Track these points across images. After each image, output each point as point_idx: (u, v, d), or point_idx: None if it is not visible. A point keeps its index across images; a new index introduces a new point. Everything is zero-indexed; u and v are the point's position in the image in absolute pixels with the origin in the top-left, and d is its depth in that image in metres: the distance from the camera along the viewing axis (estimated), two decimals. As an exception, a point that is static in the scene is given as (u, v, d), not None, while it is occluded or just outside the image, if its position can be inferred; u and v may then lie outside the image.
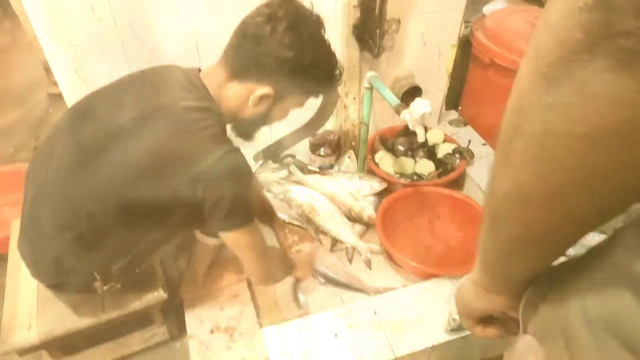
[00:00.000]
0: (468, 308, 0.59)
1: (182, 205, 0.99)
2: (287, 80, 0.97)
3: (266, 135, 1.84)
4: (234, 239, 1.01)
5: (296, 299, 1.39)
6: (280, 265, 1.20)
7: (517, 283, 0.50)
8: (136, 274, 1.09)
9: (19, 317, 1.13)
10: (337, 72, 1.05)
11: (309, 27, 0.96)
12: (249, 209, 1.01)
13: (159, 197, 0.95)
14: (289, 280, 1.41)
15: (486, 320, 0.62)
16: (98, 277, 1.02)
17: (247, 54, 0.95)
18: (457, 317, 1.23)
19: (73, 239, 0.96)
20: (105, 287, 1.05)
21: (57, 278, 1.03)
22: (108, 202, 0.93)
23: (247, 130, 1.10)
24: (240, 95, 1.00)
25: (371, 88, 1.56)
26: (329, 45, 1.02)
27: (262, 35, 0.93)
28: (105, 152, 0.91)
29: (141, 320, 1.27)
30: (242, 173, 0.97)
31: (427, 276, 1.42)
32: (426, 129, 1.51)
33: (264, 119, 1.07)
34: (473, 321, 0.62)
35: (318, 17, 0.99)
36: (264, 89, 0.98)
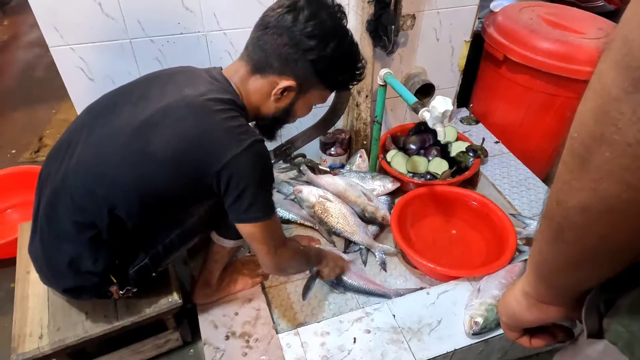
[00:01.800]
0: (516, 320, 0.57)
1: (205, 198, 0.97)
2: (310, 71, 0.95)
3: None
4: (249, 231, 0.99)
5: (305, 291, 1.37)
6: (295, 262, 1.17)
7: (577, 293, 0.48)
8: (152, 277, 1.06)
9: (30, 325, 1.10)
10: (360, 64, 1.02)
11: (331, 17, 0.93)
12: (271, 203, 0.98)
13: (183, 189, 0.93)
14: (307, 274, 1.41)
15: (532, 331, 0.60)
16: (115, 280, 0.99)
17: (269, 46, 0.93)
18: (479, 320, 1.20)
19: (92, 239, 0.93)
20: (121, 292, 1.02)
21: (72, 282, 0.99)
22: (131, 197, 0.91)
23: (270, 128, 1.08)
24: (262, 89, 0.98)
25: (385, 85, 1.53)
26: (352, 36, 0.99)
27: (283, 26, 0.91)
28: (129, 146, 0.89)
29: (154, 326, 1.23)
30: (267, 165, 0.95)
31: (445, 278, 1.39)
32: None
33: (287, 115, 1.04)
34: (519, 333, 0.60)
35: (339, 7, 0.97)
36: (286, 82, 0.95)
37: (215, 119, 0.88)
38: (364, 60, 1.03)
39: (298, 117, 1.08)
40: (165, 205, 0.96)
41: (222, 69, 1.01)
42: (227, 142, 0.88)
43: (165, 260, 1.07)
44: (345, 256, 1.47)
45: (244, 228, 0.99)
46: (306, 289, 1.39)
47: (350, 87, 1.08)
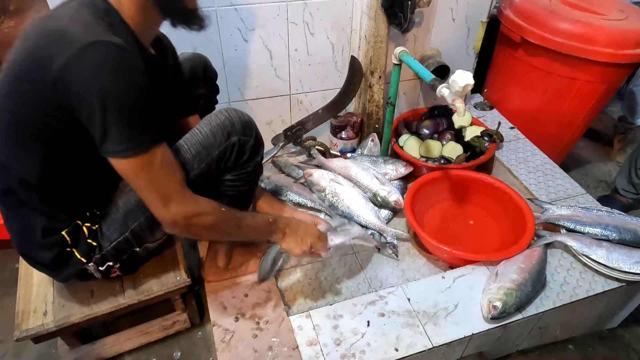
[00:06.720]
0: None
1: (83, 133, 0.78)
2: None
3: (286, 117, 1.76)
4: (121, 171, 0.79)
5: (261, 269, 1.21)
6: (218, 225, 0.92)
7: None
8: (139, 255, 1.01)
9: (34, 301, 1.07)
10: None
11: None
12: (148, 129, 0.78)
13: (43, 122, 0.80)
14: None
15: None
16: (91, 256, 0.96)
17: None
18: (497, 304, 1.16)
19: (17, 206, 0.91)
20: (101, 268, 0.98)
21: (37, 256, 0.97)
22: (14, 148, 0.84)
23: (182, 16, 0.89)
24: None
25: (400, 65, 1.48)
26: None
27: None
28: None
29: (161, 306, 1.20)
30: (124, 73, 0.73)
31: (461, 263, 1.34)
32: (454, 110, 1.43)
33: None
34: None
35: None
36: None
37: (58, 24, 0.74)
38: None
39: None
40: (57, 151, 0.84)
41: None
42: (63, 43, 0.71)
43: (150, 235, 1.01)
44: (325, 225, 1.23)
45: (115, 165, 0.79)
46: (264, 266, 1.21)
47: None
